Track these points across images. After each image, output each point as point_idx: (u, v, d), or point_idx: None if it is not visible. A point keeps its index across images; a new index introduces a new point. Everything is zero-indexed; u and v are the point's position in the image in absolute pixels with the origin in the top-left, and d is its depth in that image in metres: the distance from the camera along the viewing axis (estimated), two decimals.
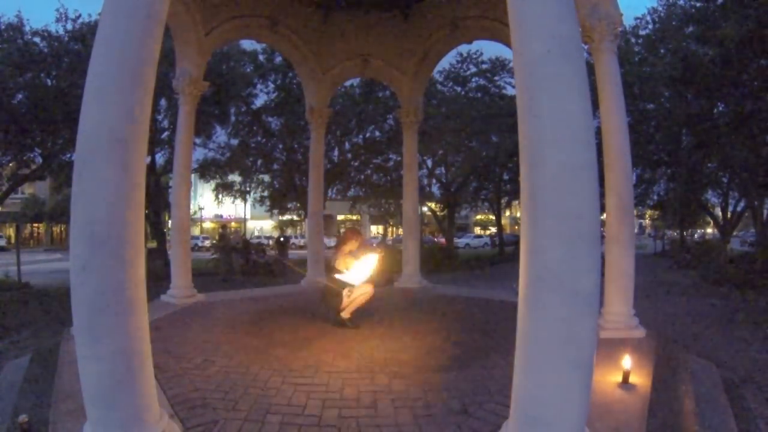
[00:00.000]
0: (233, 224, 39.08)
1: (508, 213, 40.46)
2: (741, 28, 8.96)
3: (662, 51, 12.56)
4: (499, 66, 17.60)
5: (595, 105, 4.03)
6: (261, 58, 15.35)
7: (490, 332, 4.65)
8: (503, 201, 22.70)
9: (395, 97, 12.12)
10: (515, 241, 24.00)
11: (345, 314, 4.82)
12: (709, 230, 33.67)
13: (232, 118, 15.93)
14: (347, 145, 18.00)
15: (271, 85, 16.07)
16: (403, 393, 3.04)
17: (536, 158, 2.05)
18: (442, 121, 16.24)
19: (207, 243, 26.75)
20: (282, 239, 15.15)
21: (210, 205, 28.99)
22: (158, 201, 15.16)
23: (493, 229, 34.05)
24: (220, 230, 15.45)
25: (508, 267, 16.75)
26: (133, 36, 2.15)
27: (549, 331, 2.00)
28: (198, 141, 15.13)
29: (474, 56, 17.44)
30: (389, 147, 16.82)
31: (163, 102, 13.50)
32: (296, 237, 33.44)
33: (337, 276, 4.90)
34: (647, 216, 33.79)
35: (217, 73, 12.56)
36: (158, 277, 9.46)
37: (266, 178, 19.16)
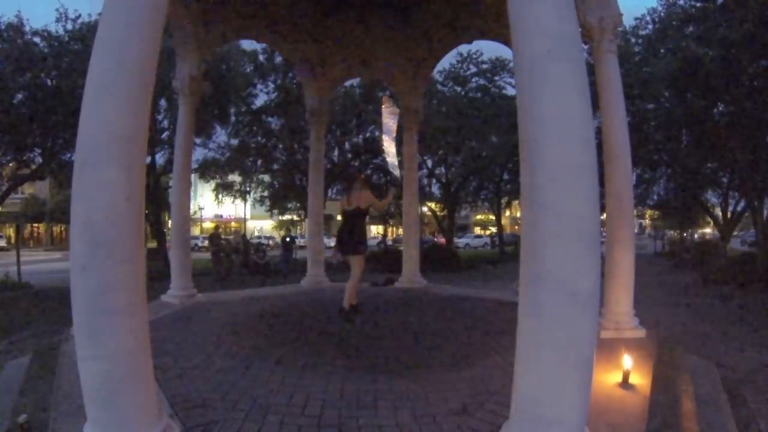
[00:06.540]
0: (233, 224, 39.04)
1: (508, 213, 40.44)
2: (741, 28, 8.94)
3: (662, 51, 12.53)
4: (499, 66, 17.59)
5: (595, 105, 4.03)
6: (261, 58, 15.35)
7: (490, 332, 4.64)
8: (503, 201, 22.69)
9: (395, 98, 12.08)
10: (515, 241, 24.00)
11: (347, 305, 4.78)
12: (709, 230, 33.64)
13: (232, 118, 15.92)
14: (347, 145, 18.00)
15: (271, 85, 16.07)
16: (403, 393, 3.04)
17: (536, 158, 2.05)
18: (442, 121, 16.23)
19: (206, 243, 26.64)
20: (288, 239, 15.02)
21: (210, 205, 28.94)
22: (158, 201, 15.15)
23: (493, 229, 34.05)
24: (212, 231, 15.39)
25: (508, 267, 16.77)
26: (133, 35, 2.15)
27: (549, 331, 2.00)
28: (198, 141, 15.12)
29: (474, 56, 17.45)
30: None
31: (163, 102, 13.50)
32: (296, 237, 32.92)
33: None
34: (647, 216, 33.79)
35: (217, 73, 12.55)
36: (158, 277, 9.45)
37: (266, 178, 19.14)
